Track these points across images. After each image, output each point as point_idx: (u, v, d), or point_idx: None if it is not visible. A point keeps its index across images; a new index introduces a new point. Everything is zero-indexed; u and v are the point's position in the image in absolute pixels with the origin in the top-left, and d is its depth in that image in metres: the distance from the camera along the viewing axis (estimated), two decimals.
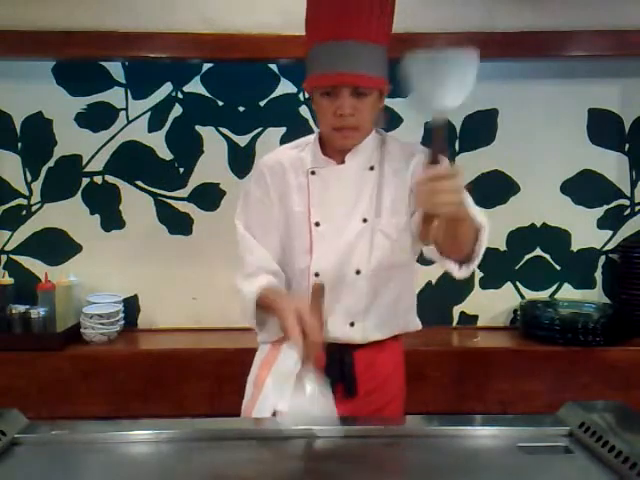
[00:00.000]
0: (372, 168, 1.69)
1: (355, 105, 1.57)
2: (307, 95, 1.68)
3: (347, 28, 1.54)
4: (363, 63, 1.56)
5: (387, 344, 1.74)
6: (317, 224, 1.67)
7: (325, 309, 1.56)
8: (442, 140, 1.33)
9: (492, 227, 3.00)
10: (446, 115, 1.31)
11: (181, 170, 2.86)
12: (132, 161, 2.84)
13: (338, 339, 1.67)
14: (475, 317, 2.95)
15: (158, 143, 2.84)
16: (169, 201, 2.87)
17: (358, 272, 1.66)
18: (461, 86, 1.37)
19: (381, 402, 1.73)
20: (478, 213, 1.51)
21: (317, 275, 1.66)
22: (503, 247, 2.91)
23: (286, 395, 1.62)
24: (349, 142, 1.65)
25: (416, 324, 1.81)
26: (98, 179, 2.85)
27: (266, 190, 1.71)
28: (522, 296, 2.93)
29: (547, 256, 2.93)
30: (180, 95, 2.82)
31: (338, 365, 1.67)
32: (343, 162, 1.68)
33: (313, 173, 1.69)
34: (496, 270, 2.92)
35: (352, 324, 1.68)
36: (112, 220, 2.87)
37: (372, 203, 1.67)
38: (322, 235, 1.67)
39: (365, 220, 1.66)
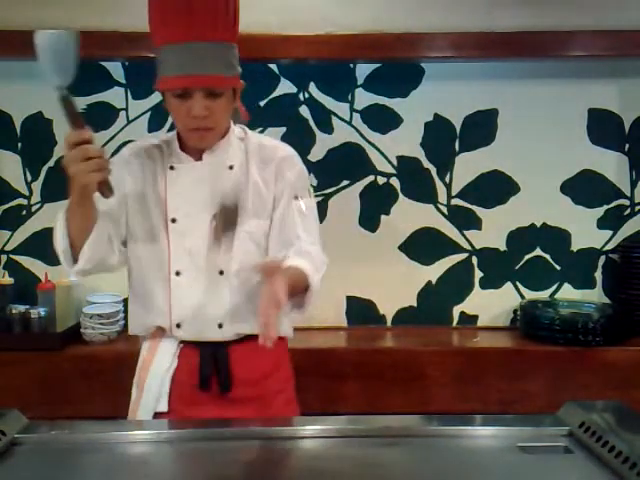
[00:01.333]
0: (232, 167, 1.68)
1: (209, 106, 1.56)
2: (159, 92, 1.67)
3: (195, 29, 1.53)
4: (214, 64, 1.55)
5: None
6: (173, 220, 1.66)
7: None
8: (74, 110, 1.50)
9: (492, 227, 3.02)
10: (63, 89, 1.44)
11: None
12: None
13: (209, 339, 1.67)
14: (475, 317, 2.95)
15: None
16: None
17: (221, 272, 1.65)
18: (66, 65, 1.45)
19: (262, 401, 1.70)
20: (314, 272, 1.55)
21: (178, 274, 1.66)
22: (503, 247, 2.91)
23: (164, 395, 1.66)
24: (205, 142, 1.65)
25: (286, 330, 1.76)
26: None
27: (122, 172, 1.67)
28: (522, 296, 2.93)
29: (547, 256, 2.93)
30: None
31: (212, 361, 1.67)
32: (200, 159, 1.68)
33: (172, 168, 1.69)
34: (496, 270, 2.92)
35: (220, 325, 1.67)
36: None
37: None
38: (178, 232, 1.66)
39: None
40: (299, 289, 1.53)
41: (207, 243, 1.65)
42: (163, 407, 1.66)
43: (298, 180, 1.73)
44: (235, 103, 1.67)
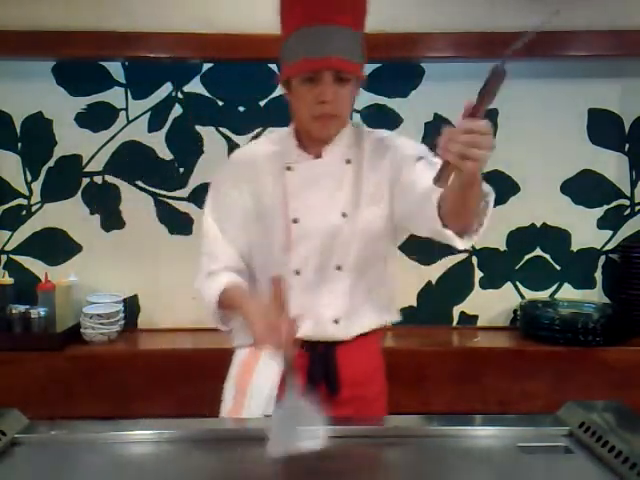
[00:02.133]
0: (349, 161, 1.65)
1: (336, 91, 1.52)
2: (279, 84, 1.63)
3: (329, 13, 1.50)
4: (346, 48, 1.51)
5: (367, 340, 1.70)
6: (295, 221, 1.63)
7: (288, 303, 1.46)
8: (491, 95, 1.38)
9: (492, 227, 3.01)
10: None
11: (181, 170, 2.86)
12: (132, 161, 2.84)
13: (323, 337, 1.64)
14: (475, 317, 2.95)
15: (158, 143, 2.84)
16: (169, 201, 2.87)
17: (339, 268, 1.63)
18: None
19: (364, 401, 1.68)
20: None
21: (298, 273, 1.63)
22: (503, 247, 2.91)
23: (273, 398, 1.62)
24: (327, 131, 1.60)
25: (395, 316, 1.78)
26: (98, 179, 2.85)
27: (238, 185, 1.67)
28: (522, 296, 2.93)
29: (547, 256, 2.93)
30: (180, 95, 2.82)
31: (322, 364, 1.64)
32: (319, 156, 1.64)
33: (289, 169, 1.65)
34: (496, 270, 2.92)
35: (336, 321, 1.64)
36: (112, 220, 2.87)
37: (351, 197, 1.63)
38: (301, 232, 1.63)
39: (344, 215, 1.62)
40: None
41: (329, 240, 1.62)
42: (273, 411, 1.61)
43: (411, 145, 1.66)
44: (356, 94, 1.62)
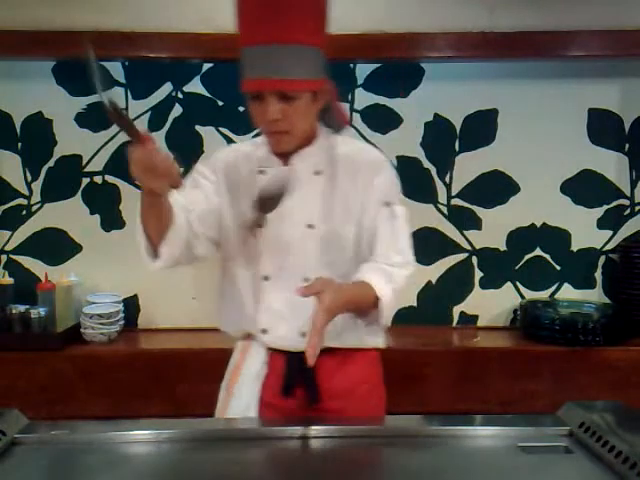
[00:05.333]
0: (319, 172, 1.65)
1: (284, 109, 1.52)
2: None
3: (270, 31, 1.49)
4: (289, 67, 1.50)
5: (353, 356, 1.68)
6: (261, 225, 1.64)
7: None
8: (127, 121, 1.52)
9: (492, 227, 3.01)
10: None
11: (181, 170, 2.85)
12: None
13: (292, 348, 1.62)
14: (475, 317, 2.95)
15: (158, 143, 2.83)
16: None
17: (306, 280, 1.57)
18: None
19: (352, 409, 1.65)
20: (385, 283, 1.56)
21: (267, 279, 1.63)
22: (503, 247, 2.91)
23: (254, 403, 1.63)
24: (281, 146, 1.61)
25: (377, 341, 1.73)
26: (98, 179, 2.85)
27: (216, 179, 1.68)
28: (522, 296, 2.93)
29: (547, 256, 2.93)
30: (180, 95, 2.83)
31: (298, 371, 1.61)
32: (287, 163, 1.65)
33: (261, 172, 1.66)
34: (496, 270, 2.92)
35: (303, 334, 1.56)
36: (112, 220, 2.87)
37: (320, 208, 1.63)
38: (267, 238, 1.64)
39: (311, 226, 1.62)
40: (368, 302, 1.55)
41: (294, 250, 1.63)
42: (252, 414, 1.64)
43: (387, 186, 1.69)
44: (317, 107, 1.62)
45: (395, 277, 1.60)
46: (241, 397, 1.65)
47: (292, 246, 1.63)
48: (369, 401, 1.72)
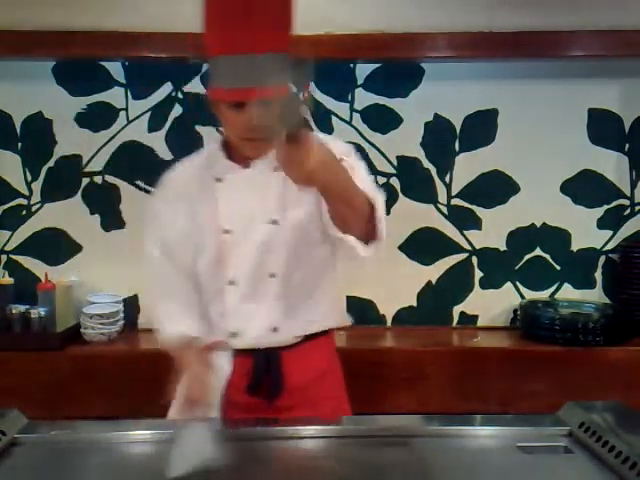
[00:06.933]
0: (277, 168, 1.60)
1: (263, 114, 1.50)
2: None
3: (248, 42, 1.51)
4: (268, 74, 1.51)
5: (313, 345, 1.71)
6: (227, 231, 1.64)
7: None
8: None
9: (492, 227, 3.01)
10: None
11: None
12: (132, 161, 2.84)
13: (264, 345, 1.65)
14: (475, 317, 2.95)
15: (158, 143, 2.84)
16: None
17: (272, 275, 1.63)
18: None
19: (305, 407, 1.67)
20: (370, 189, 1.51)
21: (232, 283, 1.64)
22: (503, 247, 2.91)
23: (217, 403, 1.61)
24: (259, 151, 1.62)
25: (344, 320, 1.79)
26: (98, 179, 2.85)
27: (171, 205, 1.69)
28: (522, 296, 2.93)
29: (547, 256, 2.93)
30: (180, 95, 2.82)
31: (264, 368, 1.65)
32: (248, 166, 1.66)
33: (219, 180, 1.67)
34: (496, 270, 2.92)
35: (275, 329, 1.65)
36: (112, 220, 2.87)
37: (278, 202, 1.64)
38: (233, 242, 1.64)
39: (274, 222, 1.63)
40: (357, 191, 1.46)
41: (261, 248, 1.63)
42: (214, 414, 1.63)
43: (339, 148, 1.61)
44: None
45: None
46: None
47: (259, 245, 1.63)
48: (332, 397, 1.75)
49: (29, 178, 2.85)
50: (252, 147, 1.61)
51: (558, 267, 2.93)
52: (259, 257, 1.64)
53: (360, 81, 2.82)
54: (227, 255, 1.65)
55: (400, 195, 2.87)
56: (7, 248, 2.87)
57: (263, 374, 1.66)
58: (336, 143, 1.64)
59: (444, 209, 2.89)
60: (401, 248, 2.89)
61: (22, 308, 2.66)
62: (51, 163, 2.84)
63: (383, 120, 2.83)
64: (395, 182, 2.86)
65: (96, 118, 2.81)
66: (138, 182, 2.85)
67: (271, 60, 1.53)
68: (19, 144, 2.84)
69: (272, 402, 1.66)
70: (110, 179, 2.85)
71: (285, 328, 1.66)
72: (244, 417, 1.63)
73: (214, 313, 1.69)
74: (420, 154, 2.86)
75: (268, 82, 1.49)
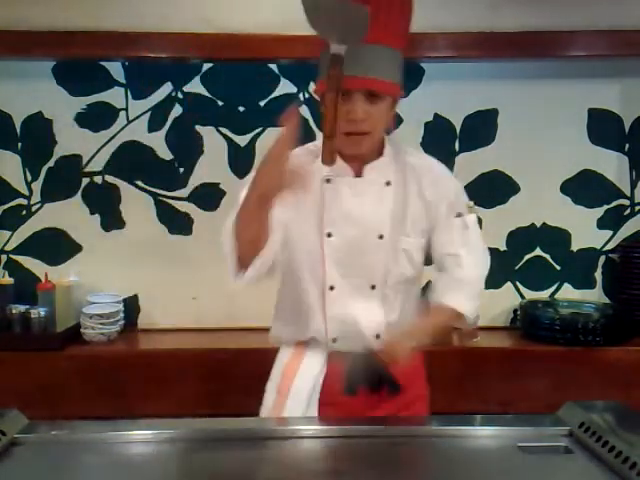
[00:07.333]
0: (389, 183, 1.64)
1: (368, 110, 1.52)
2: (316, 97, 1.62)
3: (375, 32, 1.47)
4: (378, 67, 1.50)
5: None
6: (329, 235, 1.62)
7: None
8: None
9: (492, 227, 3.01)
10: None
11: (181, 170, 2.86)
12: (132, 161, 2.84)
13: (368, 350, 1.66)
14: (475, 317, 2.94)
15: (158, 143, 2.84)
16: (169, 201, 2.87)
17: (373, 287, 1.65)
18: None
19: (403, 402, 1.72)
20: (465, 300, 1.68)
21: (332, 289, 1.64)
22: (503, 247, 2.91)
23: (314, 402, 1.64)
24: (358, 147, 1.59)
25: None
26: (98, 179, 2.85)
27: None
28: (522, 296, 2.93)
29: (547, 256, 2.93)
30: (180, 95, 2.82)
31: (375, 371, 1.67)
32: (359, 174, 1.64)
33: (328, 181, 1.63)
34: (496, 270, 2.89)
35: (378, 336, 1.66)
36: (112, 220, 2.87)
37: (390, 220, 1.64)
38: (334, 247, 1.63)
39: (381, 237, 1.63)
40: (450, 322, 1.71)
41: (363, 259, 1.63)
42: (312, 413, 1.66)
43: (456, 196, 1.74)
44: (392, 113, 1.62)
45: (473, 286, 1.73)
46: (300, 398, 1.66)
47: (361, 255, 1.63)
48: (421, 397, 1.84)
49: (29, 178, 2.85)
50: (352, 142, 1.56)
51: (558, 267, 2.93)
52: (360, 268, 1.64)
53: None
54: (328, 259, 1.63)
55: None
56: (7, 248, 2.87)
57: (360, 374, 1.66)
58: (449, 180, 1.74)
59: None
60: None
61: (22, 308, 2.66)
62: (51, 163, 2.84)
63: None
64: None
65: (96, 118, 2.81)
66: (138, 182, 2.85)
67: (385, 54, 1.52)
68: (19, 144, 2.84)
69: (370, 398, 1.68)
70: (110, 179, 2.85)
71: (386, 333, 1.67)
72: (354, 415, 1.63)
73: (316, 316, 1.67)
74: None
75: (378, 74, 1.49)
